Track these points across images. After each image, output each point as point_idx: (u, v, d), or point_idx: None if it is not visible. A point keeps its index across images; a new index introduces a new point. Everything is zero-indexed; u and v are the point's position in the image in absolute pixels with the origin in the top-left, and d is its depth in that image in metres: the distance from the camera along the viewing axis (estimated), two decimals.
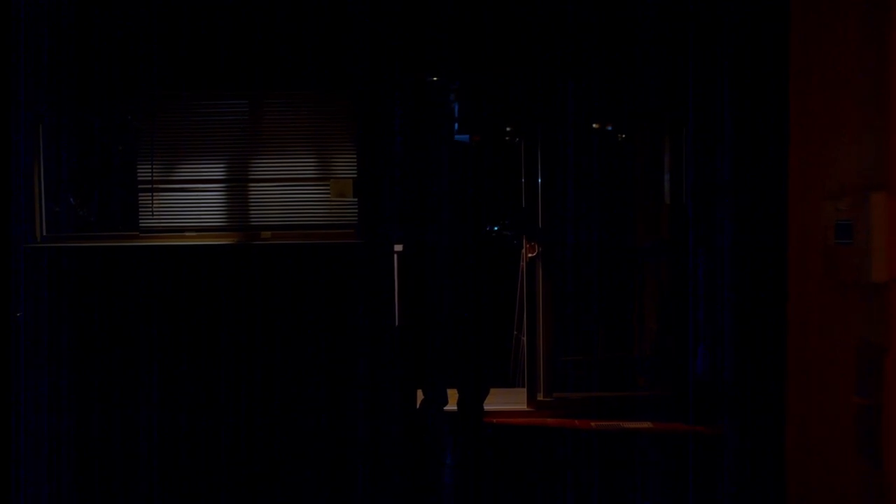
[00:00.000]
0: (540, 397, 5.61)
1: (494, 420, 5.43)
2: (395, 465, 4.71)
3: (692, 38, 4.89)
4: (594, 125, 6.48)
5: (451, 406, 5.32)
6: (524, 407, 5.60)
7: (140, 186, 5.02)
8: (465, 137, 6.62)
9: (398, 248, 5.09)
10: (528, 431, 5.37)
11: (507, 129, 6.98)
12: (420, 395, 5.36)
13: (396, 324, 4.96)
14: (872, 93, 2.82)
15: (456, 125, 5.85)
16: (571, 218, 5.74)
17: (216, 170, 5.04)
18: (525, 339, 5.84)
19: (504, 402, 5.67)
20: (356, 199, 4.89)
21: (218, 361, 4.71)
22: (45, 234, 4.93)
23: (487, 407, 5.33)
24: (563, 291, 5.78)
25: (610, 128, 6.65)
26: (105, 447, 4.72)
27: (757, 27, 4.60)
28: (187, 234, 4.97)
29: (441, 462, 4.95)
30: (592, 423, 5.37)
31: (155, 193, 4.99)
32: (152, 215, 4.99)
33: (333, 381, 4.74)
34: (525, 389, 5.73)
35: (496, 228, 6.13)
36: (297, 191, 5.02)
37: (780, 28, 3.45)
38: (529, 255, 5.88)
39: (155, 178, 4.99)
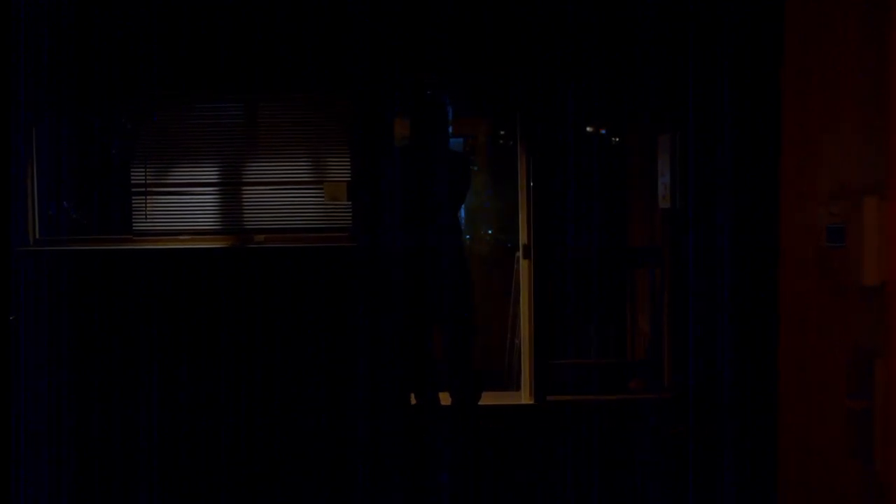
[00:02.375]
0: (529, 400, 5.60)
1: None
2: (395, 465, 4.71)
3: (692, 38, 4.89)
4: (593, 125, 6.48)
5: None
6: None
7: (134, 189, 5.02)
8: (461, 139, 6.63)
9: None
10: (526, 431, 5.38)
11: (506, 128, 6.98)
12: (413, 399, 5.34)
13: (392, 325, 4.94)
14: (872, 93, 2.82)
15: (451, 128, 5.84)
16: (571, 218, 5.74)
17: (210, 173, 5.04)
18: (518, 341, 5.84)
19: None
20: (350, 203, 4.89)
21: (214, 363, 4.71)
22: (38, 236, 4.92)
23: None
24: (562, 292, 5.78)
25: (608, 129, 6.65)
26: (102, 448, 4.72)
27: (757, 27, 4.60)
28: (181, 237, 4.97)
29: (440, 462, 4.95)
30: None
31: (149, 196, 4.99)
32: (146, 218, 4.99)
33: (332, 383, 4.74)
34: (519, 392, 5.73)
35: (490, 231, 6.13)
36: (291, 194, 5.02)
37: (780, 28, 3.45)
38: None
39: (149, 181, 4.99)
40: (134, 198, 5.02)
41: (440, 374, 5.23)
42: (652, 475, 4.64)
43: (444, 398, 5.24)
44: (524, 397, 5.69)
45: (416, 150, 5.10)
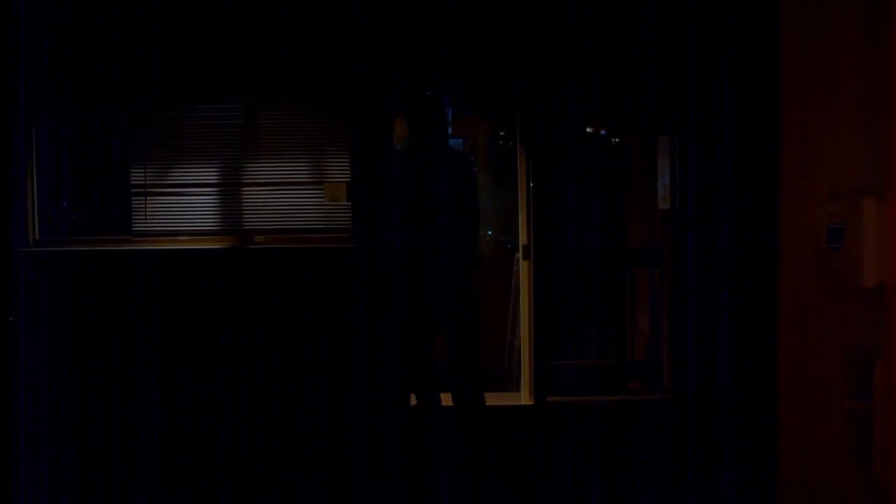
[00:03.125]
0: (529, 401, 5.59)
1: None
2: (395, 465, 4.71)
3: (692, 38, 4.89)
4: (593, 125, 6.48)
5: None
6: None
7: (133, 190, 5.02)
8: (460, 140, 6.62)
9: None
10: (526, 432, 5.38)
11: (506, 128, 6.98)
12: (413, 399, 5.34)
13: (392, 325, 4.94)
14: (872, 93, 2.81)
15: (450, 129, 5.84)
16: (571, 219, 5.74)
17: (210, 173, 5.04)
18: (518, 342, 5.84)
19: None
20: (350, 203, 4.89)
21: (214, 363, 4.71)
22: (38, 237, 4.92)
23: None
24: (562, 292, 5.78)
25: (608, 129, 6.65)
26: (102, 448, 4.72)
27: (756, 27, 4.60)
28: (180, 237, 4.97)
29: (440, 462, 4.95)
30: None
31: (149, 197, 4.99)
32: (146, 219, 4.99)
33: (332, 383, 4.74)
34: (519, 393, 5.73)
35: (490, 232, 6.13)
36: (291, 194, 5.02)
37: (776, 28, 3.45)
38: None
39: (149, 182, 4.99)
40: (134, 198, 5.02)
41: (441, 374, 5.23)
42: (652, 475, 4.64)
43: (447, 399, 5.24)
44: (524, 398, 5.69)
45: (416, 151, 5.10)
